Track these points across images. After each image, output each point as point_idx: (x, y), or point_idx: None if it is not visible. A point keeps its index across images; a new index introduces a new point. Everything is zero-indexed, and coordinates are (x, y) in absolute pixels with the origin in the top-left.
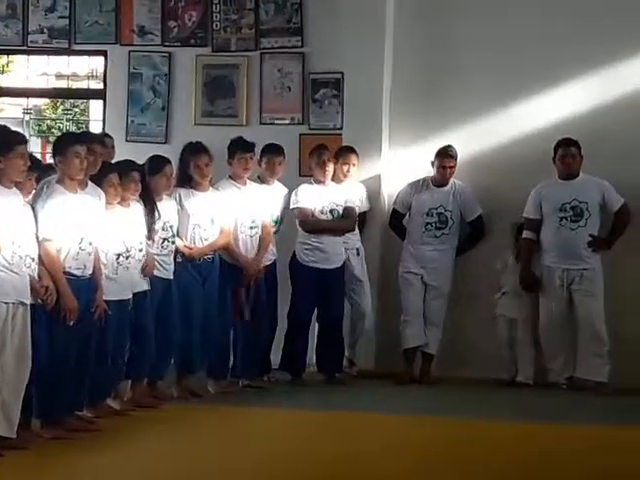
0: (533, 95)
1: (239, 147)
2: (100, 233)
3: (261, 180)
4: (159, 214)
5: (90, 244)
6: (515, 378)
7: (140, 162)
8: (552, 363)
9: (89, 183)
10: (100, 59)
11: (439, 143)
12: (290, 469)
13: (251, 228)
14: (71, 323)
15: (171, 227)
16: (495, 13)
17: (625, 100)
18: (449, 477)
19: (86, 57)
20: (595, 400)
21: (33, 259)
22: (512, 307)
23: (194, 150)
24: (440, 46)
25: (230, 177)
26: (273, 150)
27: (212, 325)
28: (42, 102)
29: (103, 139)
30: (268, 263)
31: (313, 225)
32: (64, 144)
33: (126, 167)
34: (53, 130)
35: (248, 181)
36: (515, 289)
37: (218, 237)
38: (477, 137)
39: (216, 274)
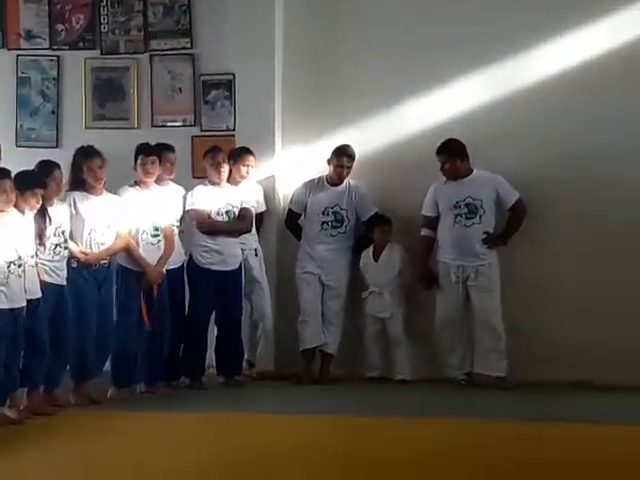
0: (424, 95)
1: (140, 151)
2: None
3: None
4: (50, 219)
5: None
6: (393, 376)
7: (30, 167)
8: (449, 359)
9: None
10: None
11: (332, 142)
12: (189, 474)
13: (154, 236)
14: None
15: (63, 232)
16: (384, 15)
17: (514, 97)
18: (346, 477)
19: None
20: (493, 395)
21: None
22: (381, 306)
23: (86, 153)
24: (331, 45)
25: (135, 182)
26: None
27: (108, 330)
28: None
29: None
30: (175, 266)
31: (209, 227)
32: None
33: (20, 175)
34: None
35: (154, 185)
36: (379, 288)
37: (114, 242)
38: (370, 137)
39: (112, 279)
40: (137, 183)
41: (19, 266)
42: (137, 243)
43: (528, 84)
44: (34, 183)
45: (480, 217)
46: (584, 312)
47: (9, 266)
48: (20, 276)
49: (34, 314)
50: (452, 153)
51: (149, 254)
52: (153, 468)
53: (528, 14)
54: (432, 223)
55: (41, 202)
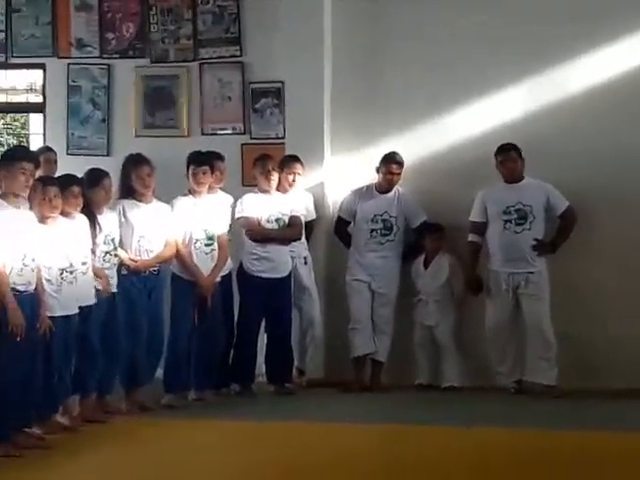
0: (471, 100)
1: (192, 161)
2: (42, 248)
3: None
4: (100, 227)
5: (33, 260)
6: (442, 383)
7: (80, 175)
8: (499, 367)
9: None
10: (39, 72)
11: (381, 149)
12: None
13: (207, 245)
14: (18, 339)
15: (112, 240)
16: (433, 24)
17: (558, 104)
18: None
19: (24, 71)
20: (544, 403)
21: None
22: (428, 314)
23: (135, 161)
24: (380, 53)
25: (189, 192)
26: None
27: (159, 338)
28: None
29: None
30: (224, 274)
31: (259, 234)
32: (10, 159)
33: (66, 181)
34: None
35: (205, 194)
36: (427, 295)
37: (163, 249)
38: (418, 143)
39: (162, 286)
40: (190, 192)
41: (71, 273)
42: (190, 252)
43: (575, 91)
44: (69, 182)
45: (530, 223)
46: (635, 320)
47: (62, 273)
48: (72, 283)
49: (86, 321)
50: (517, 152)
51: (202, 263)
52: (202, 476)
53: (574, 24)
54: (480, 229)
55: (81, 200)
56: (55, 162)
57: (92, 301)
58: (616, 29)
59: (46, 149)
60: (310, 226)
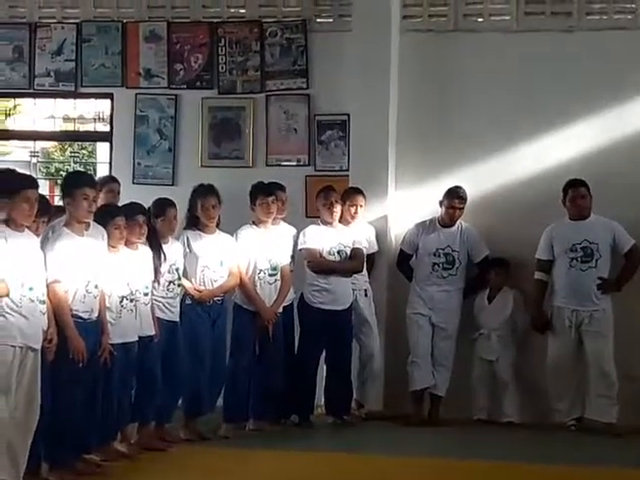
0: (538, 135)
1: (259, 191)
2: (105, 275)
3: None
4: (165, 257)
5: (96, 287)
6: (500, 418)
7: (147, 204)
8: (558, 404)
9: (92, 224)
10: (107, 102)
11: (445, 184)
12: None
13: (271, 275)
14: (79, 365)
15: (177, 270)
16: (499, 54)
17: (627, 141)
18: None
19: (93, 100)
20: (604, 442)
21: (43, 302)
22: (489, 348)
23: (203, 192)
24: (445, 86)
25: (253, 222)
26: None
27: (221, 367)
28: (49, 145)
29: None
30: (285, 305)
31: (321, 266)
32: (72, 186)
33: (132, 210)
34: (61, 172)
35: (272, 226)
36: (489, 330)
37: (227, 279)
38: (483, 178)
39: (226, 316)
40: (255, 223)
41: (131, 301)
42: (254, 282)
43: (633, 131)
44: (134, 211)
45: (596, 261)
46: None
47: (121, 301)
48: (132, 311)
49: (147, 349)
50: (586, 188)
51: (266, 293)
52: None
53: (635, 67)
54: (546, 267)
55: (146, 230)
56: (118, 193)
57: (152, 331)
58: None
59: (110, 179)
60: (372, 259)
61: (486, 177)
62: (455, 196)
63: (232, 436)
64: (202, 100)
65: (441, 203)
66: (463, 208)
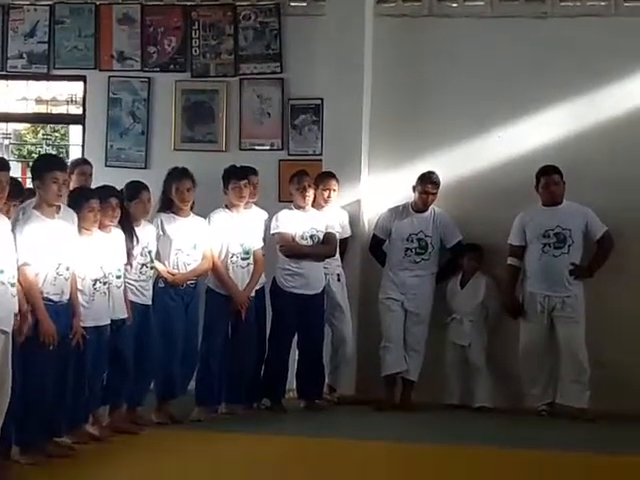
0: (511, 121)
1: (232, 175)
2: (76, 258)
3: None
4: (137, 239)
5: (67, 269)
6: (473, 403)
7: (120, 187)
8: (531, 388)
9: (62, 207)
10: (79, 84)
11: (418, 169)
12: None
13: (244, 259)
14: (50, 348)
15: (149, 252)
16: (474, 39)
17: (600, 128)
18: None
19: (65, 82)
20: (575, 426)
21: (14, 285)
22: (461, 333)
23: (177, 175)
24: (420, 71)
25: (226, 206)
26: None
27: (194, 351)
28: (22, 127)
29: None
30: (257, 289)
31: (293, 250)
32: (42, 169)
33: (105, 193)
34: (33, 155)
35: (244, 209)
36: (461, 315)
37: (200, 262)
38: (456, 163)
39: (198, 300)
40: (227, 206)
41: (104, 284)
42: (227, 266)
43: (619, 115)
44: (108, 194)
45: (569, 247)
46: None
47: (94, 284)
48: (105, 294)
49: (119, 333)
50: (559, 174)
51: (238, 277)
52: None
53: (619, 44)
54: (519, 252)
55: (119, 212)
56: (90, 175)
57: (125, 314)
58: None
59: (82, 161)
60: (345, 243)
61: (459, 162)
62: (428, 181)
63: (204, 419)
64: (175, 83)
65: (414, 188)
66: (436, 193)
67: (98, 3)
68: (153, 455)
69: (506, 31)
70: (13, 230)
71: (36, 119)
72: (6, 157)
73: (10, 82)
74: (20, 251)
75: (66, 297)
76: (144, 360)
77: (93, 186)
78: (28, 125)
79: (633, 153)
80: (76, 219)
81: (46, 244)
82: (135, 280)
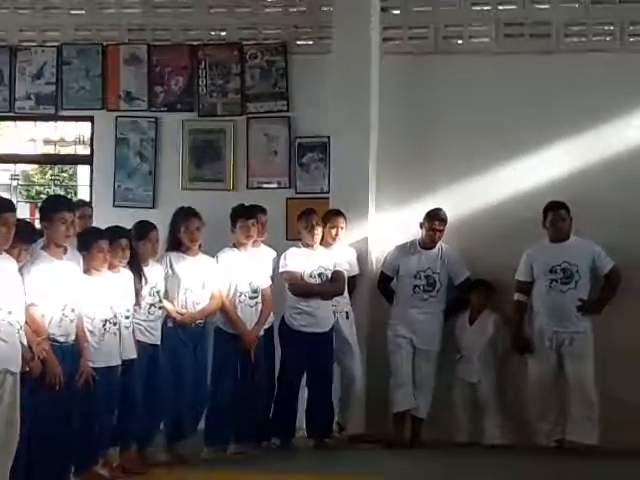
0: (518, 158)
1: (239, 214)
2: (84, 299)
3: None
4: (146, 280)
5: (72, 311)
6: (483, 441)
7: (127, 227)
8: (541, 425)
9: (69, 248)
10: (87, 124)
11: (425, 206)
12: None
13: (252, 298)
14: (57, 389)
15: (158, 292)
16: (479, 76)
17: (606, 163)
18: None
19: (73, 123)
20: (584, 463)
21: (22, 326)
22: (470, 370)
23: (185, 214)
24: (426, 108)
25: (234, 245)
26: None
27: (203, 391)
28: (30, 168)
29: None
30: (266, 327)
31: (302, 289)
32: (50, 210)
33: (115, 234)
34: (42, 196)
35: (252, 248)
36: (470, 352)
37: (209, 302)
38: (463, 200)
39: (208, 339)
40: (235, 245)
41: (114, 324)
42: (235, 305)
43: (622, 151)
44: (118, 234)
45: (576, 282)
46: None
47: (104, 324)
48: (115, 334)
49: (129, 373)
50: (566, 210)
51: (247, 316)
52: None
53: (621, 83)
54: (526, 288)
55: (129, 253)
56: (90, 217)
57: (134, 355)
58: None
59: (82, 204)
60: (353, 281)
61: (466, 199)
62: (436, 218)
63: (213, 459)
64: (183, 123)
65: (422, 225)
66: (443, 230)
67: (105, 44)
68: None
69: (511, 67)
70: (21, 270)
71: (44, 160)
72: (14, 198)
73: (18, 123)
74: (28, 292)
75: (72, 338)
76: (154, 400)
77: (103, 226)
78: (36, 166)
79: (638, 188)
80: (81, 261)
81: (53, 285)
82: (144, 320)
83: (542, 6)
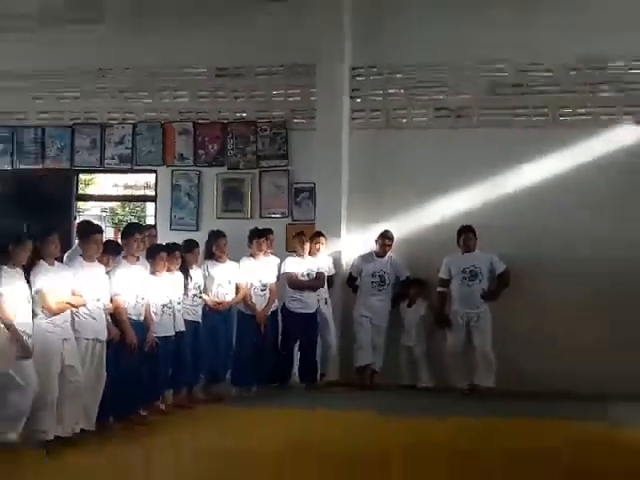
0: (444, 197)
1: (255, 234)
2: (150, 291)
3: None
4: (192, 278)
5: (142, 299)
6: (418, 384)
7: (179, 243)
8: (455, 374)
9: (140, 258)
10: (153, 175)
11: (379, 228)
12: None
13: (262, 290)
14: (132, 351)
15: (199, 287)
16: (418, 144)
17: (500, 200)
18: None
19: (143, 174)
20: (487, 400)
21: (106, 309)
22: (409, 338)
23: (216, 235)
24: (380, 166)
25: (251, 255)
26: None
27: (230, 352)
28: (115, 204)
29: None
30: (273, 310)
31: (296, 284)
32: (127, 233)
33: (171, 248)
34: (122, 223)
35: (263, 257)
36: (410, 326)
37: (240, 293)
38: (407, 225)
39: (232, 318)
40: (252, 255)
41: (169, 308)
42: (250, 295)
43: (503, 193)
44: (173, 248)
45: (480, 280)
46: (548, 342)
47: (163, 308)
48: (170, 315)
49: (180, 340)
50: (474, 232)
51: (259, 302)
52: (253, 441)
53: (511, 149)
54: (446, 283)
55: (180, 261)
56: (155, 236)
57: (183, 328)
58: (562, 139)
59: (149, 227)
60: (330, 279)
61: (409, 224)
62: (385, 237)
63: (239, 397)
64: (217, 174)
65: (376, 241)
66: (391, 245)
67: (164, 122)
68: (206, 423)
69: (442, 138)
70: (109, 273)
71: (123, 199)
72: (103, 225)
73: (107, 175)
74: (113, 287)
75: (142, 317)
76: (196, 358)
77: (163, 243)
78: (119, 203)
79: (525, 217)
80: (149, 266)
81: (130, 282)
82: (190, 305)
83: (464, 96)
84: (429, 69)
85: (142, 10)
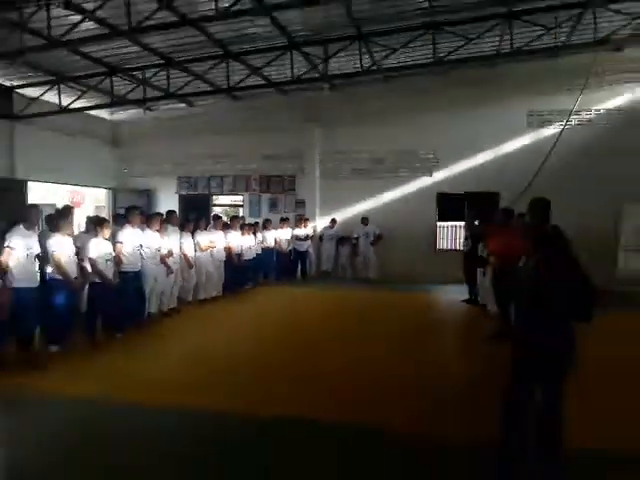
0: (364, 200)
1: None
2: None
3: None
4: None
5: (140, 247)
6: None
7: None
8: (358, 270)
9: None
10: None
11: (336, 215)
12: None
13: (299, 240)
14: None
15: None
16: (359, 186)
17: (400, 199)
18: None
19: (232, 196)
20: (366, 284)
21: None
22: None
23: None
24: (336, 187)
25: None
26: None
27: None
28: (221, 210)
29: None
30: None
31: (297, 239)
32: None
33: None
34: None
35: (287, 228)
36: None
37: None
38: (346, 214)
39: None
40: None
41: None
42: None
43: (406, 192)
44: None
45: (368, 238)
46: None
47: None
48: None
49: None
50: (367, 221)
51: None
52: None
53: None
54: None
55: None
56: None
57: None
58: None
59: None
60: (312, 238)
61: (347, 214)
62: (334, 222)
63: (275, 284)
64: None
65: (331, 220)
66: (335, 223)
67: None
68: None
69: (372, 185)
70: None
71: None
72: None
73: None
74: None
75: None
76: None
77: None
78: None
79: (412, 212)
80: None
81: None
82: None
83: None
84: (366, 153)
85: None
